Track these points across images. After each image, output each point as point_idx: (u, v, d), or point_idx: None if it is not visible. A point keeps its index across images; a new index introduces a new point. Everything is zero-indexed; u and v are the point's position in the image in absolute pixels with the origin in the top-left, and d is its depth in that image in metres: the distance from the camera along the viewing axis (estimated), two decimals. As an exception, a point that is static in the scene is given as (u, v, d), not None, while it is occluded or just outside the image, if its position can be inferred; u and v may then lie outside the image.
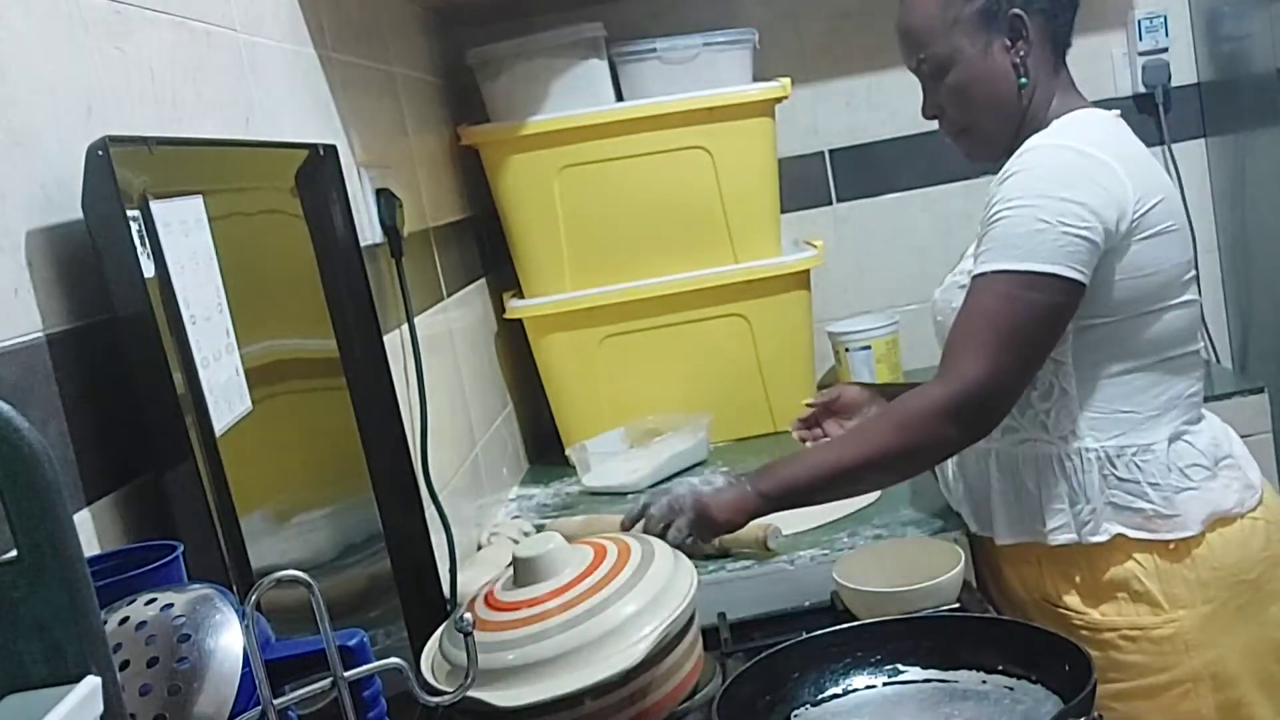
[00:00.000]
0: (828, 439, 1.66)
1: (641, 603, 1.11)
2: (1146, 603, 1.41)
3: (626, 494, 2.00)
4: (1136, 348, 1.42)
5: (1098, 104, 1.52)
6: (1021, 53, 1.46)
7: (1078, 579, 1.45)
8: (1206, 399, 1.96)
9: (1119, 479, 1.41)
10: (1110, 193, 1.36)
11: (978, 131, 1.52)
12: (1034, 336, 1.37)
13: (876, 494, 1.72)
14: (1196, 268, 1.48)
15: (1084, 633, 1.41)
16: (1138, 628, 1.41)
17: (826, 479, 1.41)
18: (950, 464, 1.58)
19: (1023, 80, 1.47)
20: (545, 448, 2.37)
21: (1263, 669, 1.43)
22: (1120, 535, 1.41)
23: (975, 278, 1.39)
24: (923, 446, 1.39)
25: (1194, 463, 1.42)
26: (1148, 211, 1.38)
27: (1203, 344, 1.51)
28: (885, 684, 1.15)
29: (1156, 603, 1.41)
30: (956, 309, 1.41)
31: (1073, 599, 1.45)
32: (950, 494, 1.61)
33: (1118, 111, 1.50)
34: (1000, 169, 1.45)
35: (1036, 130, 1.45)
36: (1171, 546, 1.41)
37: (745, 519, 1.43)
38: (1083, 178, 1.36)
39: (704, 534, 1.43)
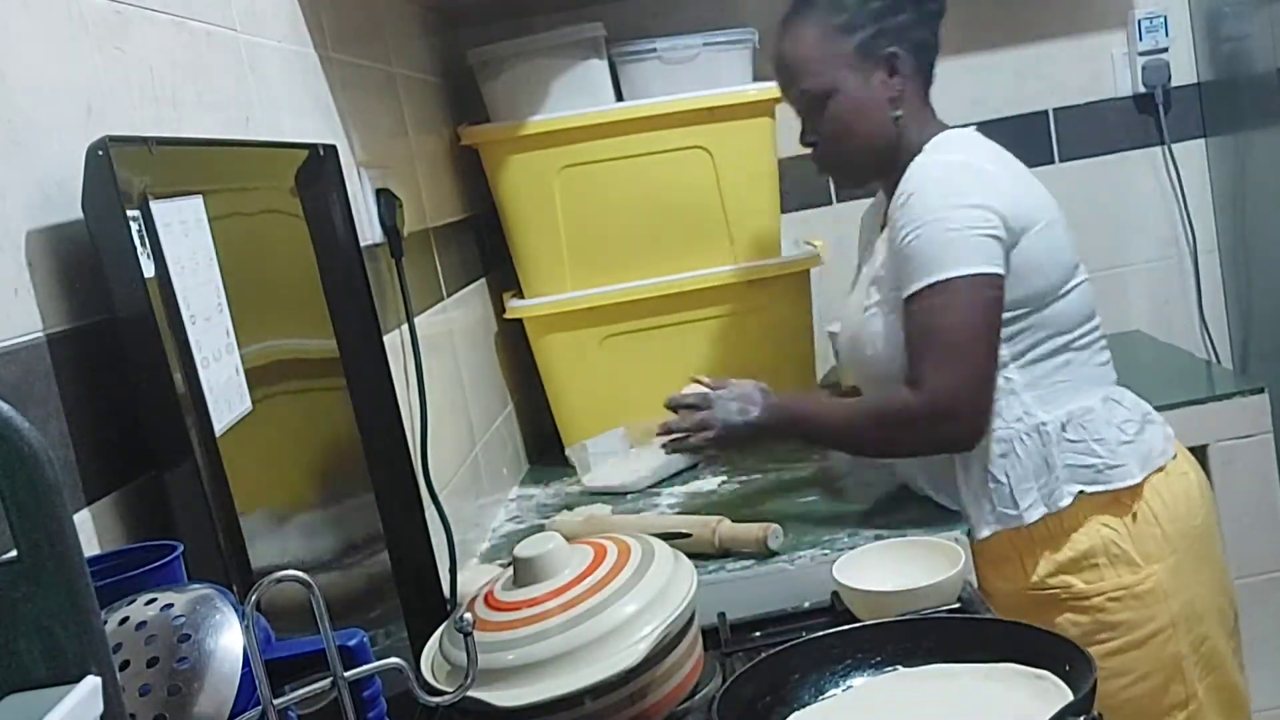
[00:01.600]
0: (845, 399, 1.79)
1: (641, 603, 1.11)
2: (1125, 563, 1.56)
3: (627, 494, 2.00)
4: (1057, 327, 1.58)
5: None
6: (898, 87, 1.61)
7: (1057, 557, 1.58)
8: (1206, 399, 2.13)
9: (1070, 441, 1.56)
10: (998, 192, 1.51)
11: (851, 161, 1.68)
12: (983, 335, 1.51)
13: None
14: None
15: (1072, 604, 1.57)
16: (1121, 587, 1.56)
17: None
18: (913, 470, 1.68)
19: (897, 114, 1.62)
20: (545, 448, 2.37)
21: (1216, 604, 1.62)
22: (1080, 493, 1.56)
23: (907, 300, 1.52)
24: (896, 450, 1.64)
25: (1125, 419, 1.60)
26: (1029, 208, 1.54)
27: (1097, 321, 1.65)
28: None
29: (1133, 561, 1.56)
30: (879, 334, 1.59)
31: (1057, 579, 1.58)
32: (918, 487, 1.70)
33: (974, 126, 1.66)
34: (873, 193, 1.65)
35: (908, 157, 1.58)
36: (1130, 507, 1.57)
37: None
38: (972, 182, 1.52)
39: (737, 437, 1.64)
